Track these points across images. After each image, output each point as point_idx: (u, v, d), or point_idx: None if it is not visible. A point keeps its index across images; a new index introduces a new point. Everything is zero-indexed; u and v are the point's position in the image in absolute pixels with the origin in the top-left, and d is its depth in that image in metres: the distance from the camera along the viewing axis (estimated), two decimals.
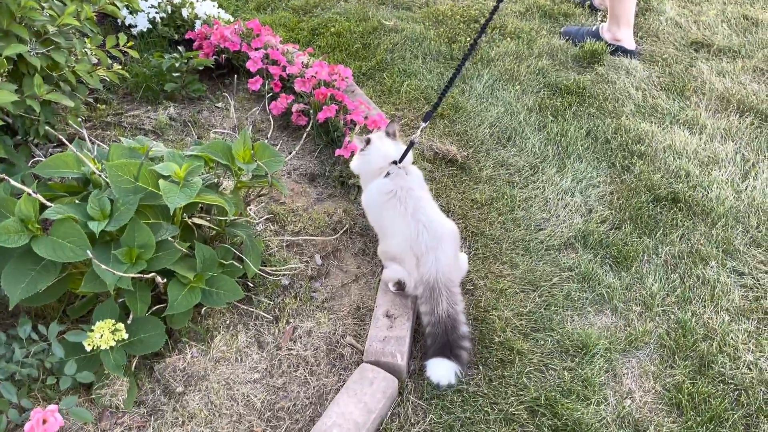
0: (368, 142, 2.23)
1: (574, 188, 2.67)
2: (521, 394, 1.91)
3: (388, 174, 2.17)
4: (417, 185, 2.16)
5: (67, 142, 1.92)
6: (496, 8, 2.26)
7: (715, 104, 3.17)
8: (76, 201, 1.81)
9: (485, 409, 1.87)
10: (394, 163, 2.18)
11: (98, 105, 3.07)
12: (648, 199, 2.58)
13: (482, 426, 1.83)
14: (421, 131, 2.33)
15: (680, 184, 2.64)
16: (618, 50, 3.60)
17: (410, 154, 2.23)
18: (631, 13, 3.54)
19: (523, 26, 3.88)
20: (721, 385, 1.93)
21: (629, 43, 3.62)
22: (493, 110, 3.15)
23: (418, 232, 1.98)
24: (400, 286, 2.07)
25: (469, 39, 3.74)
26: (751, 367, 1.98)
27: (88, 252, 1.61)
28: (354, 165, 2.34)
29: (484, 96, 3.27)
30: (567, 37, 3.78)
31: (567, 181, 2.69)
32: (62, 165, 1.88)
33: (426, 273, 1.95)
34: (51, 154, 2.44)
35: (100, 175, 1.85)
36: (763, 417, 1.84)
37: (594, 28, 3.73)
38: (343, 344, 2.07)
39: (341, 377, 1.98)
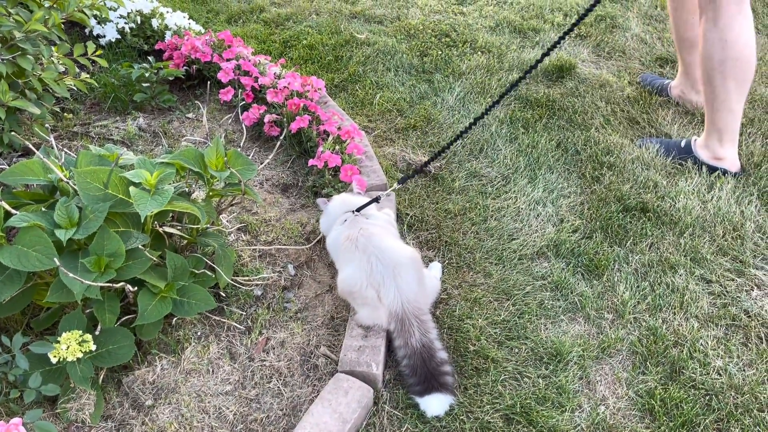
0: (326, 202, 2.31)
1: (545, 198, 2.70)
2: (496, 402, 1.91)
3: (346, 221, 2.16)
4: (376, 225, 2.12)
5: (34, 149, 1.87)
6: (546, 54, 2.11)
7: (681, 117, 3.25)
8: (43, 209, 1.76)
9: (461, 417, 1.86)
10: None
11: (65, 114, 3.01)
12: (618, 209, 2.63)
13: None
14: (391, 191, 2.37)
15: (648, 195, 2.69)
16: (716, 171, 2.82)
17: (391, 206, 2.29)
18: (737, 126, 2.77)
19: (493, 41, 3.94)
20: (693, 390, 1.95)
21: (733, 164, 2.83)
22: (464, 122, 3.18)
23: (371, 265, 1.93)
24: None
25: (440, 53, 3.78)
26: (720, 372, 2.01)
27: (56, 260, 1.56)
28: (322, 227, 2.34)
29: (456, 108, 3.30)
30: (644, 85, 3.53)
31: (538, 192, 2.72)
32: (28, 172, 1.83)
33: (391, 305, 1.91)
34: (14, 163, 2.38)
35: (67, 183, 1.81)
36: (733, 421, 1.86)
37: (683, 142, 2.96)
38: (317, 355, 2.05)
39: (315, 388, 1.95)
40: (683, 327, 2.15)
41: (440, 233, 2.51)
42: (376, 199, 2.19)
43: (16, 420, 1.48)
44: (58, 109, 3.01)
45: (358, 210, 2.17)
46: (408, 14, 4.33)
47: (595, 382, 1.99)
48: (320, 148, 2.65)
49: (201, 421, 1.83)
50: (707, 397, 1.93)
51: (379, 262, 1.94)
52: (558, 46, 2.10)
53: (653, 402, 1.91)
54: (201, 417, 1.84)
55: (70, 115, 3.02)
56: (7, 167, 2.27)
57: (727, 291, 2.29)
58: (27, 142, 1.95)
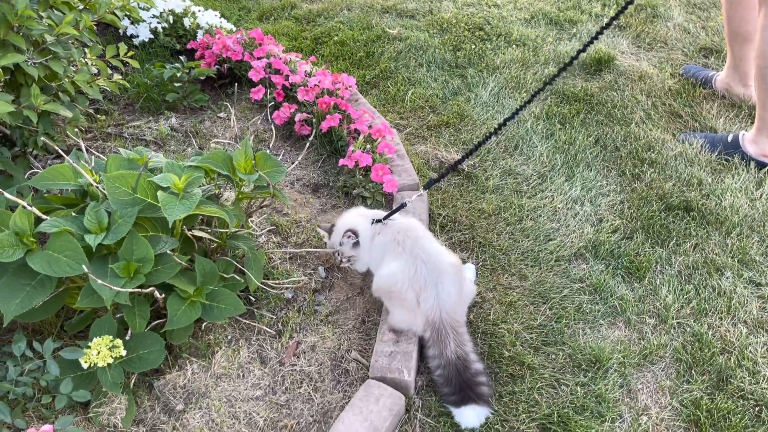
0: (356, 235, 2.08)
1: (583, 197, 2.61)
2: (533, 411, 1.84)
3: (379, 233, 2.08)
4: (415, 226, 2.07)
5: (64, 154, 1.87)
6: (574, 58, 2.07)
7: (726, 110, 3.11)
8: (73, 214, 1.76)
9: (495, 426, 1.80)
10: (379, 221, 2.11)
11: (99, 116, 3.03)
12: (660, 208, 2.52)
13: None
14: (415, 198, 2.25)
15: (693, 193, 2.58)
16: (765, 167, 2.74)
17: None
18: None
19: (528, 33, 3.84)
20: (741, 400, 1.86)
21: None
22: (499, 118, 3.10)
23: (416, 267, 1.89)
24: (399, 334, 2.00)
25: (473, 47, 3.69)
26: None
27: (84, 267, 1.55)
28: (361, 264, 2.16)
29: (490, 104, 3.22)
30: (686, 76, 3.41)
31: (576, 190, 2.63)
32: (59, 177, 1.83)
33: (429, 312, 1.86)
34: (50, 166, 2.40)
35: (97, 187, 1.80)
36: None
37: (730, 136, 2.85)
38: (348, 359, 2.01)
39: (346, 394, 1.91)
40: (731, 333, 2.05)
41: (474, 234, 2.44)
42: (403, 206, 2.12)
43: (47, 427, 1.48)
44: (92, 111, 3.04)
45: (386, 218, 2.10)
46: (441, 8, 4.26)
47: (636, 390, 1.91)
48: (351, 148, 2.61)
49: (231, 426, 1.82)
50: (757, 408, 1.84)
51: (424, 266, 1.89)
52: (596, 39, 2.01)
53: (699, 413, 1.82)
54: (231, 422, 1.83)
55: (104, 117, 3.04)
56: (42, 170, 2.29)
57: None
58: (57, 147, 1.95)
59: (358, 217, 2.15)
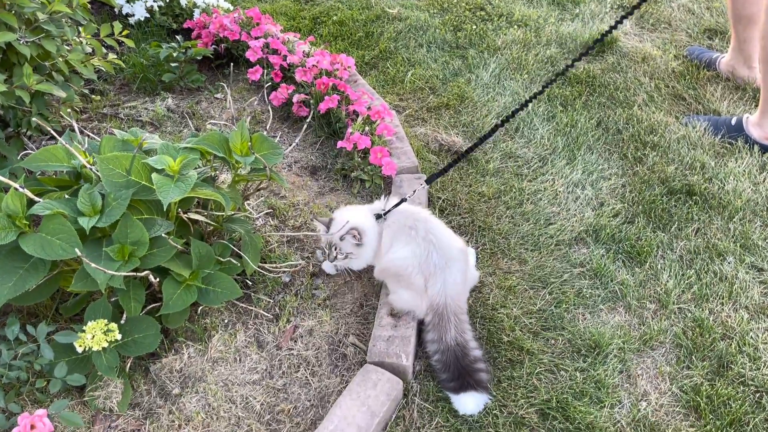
0: (360, 236, 1.99)
1: (584, 181, 2.57)
2: (531, 396, 1.83)
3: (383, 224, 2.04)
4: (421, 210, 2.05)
5: (57, 135, 1.84)
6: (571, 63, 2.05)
7: (730, 93, 3.07)
8: (66, 196, 1.73)
9: (494, 412, 1.79)
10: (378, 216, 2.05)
11: (94, 96, 2.99)
12: (662, 192, 2.49)
13: (491, 429, 1.75)
14: (415, 192, 2.17)
15: (695, 176, 2.55)
16: None
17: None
18: None
19: (530, 14, 3.78)
20: (741, 387, 1.84)
21: None
22: (500, 100, 3.06)
23: (428, 253, 1.87)
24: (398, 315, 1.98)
25: (474, 27, 3.64)
26: None
27: (77, 250, 1.53)
28: (360, 262, 2.09)
29: (491, 85, 3.17)
30: (691, 58, 3.34)
31: (577, 174, 2.60)
32: (52, 158, 1.80)
33: (434, 297, 1.84)
34: (43, 147, 2.36)
35: (91, 169, 1.77)
36: None
37: (734, 119, 2.79)
38: (346, 344, 1.99)
39: (344, 378, 1.90)
40: (732, 318, 2.03)
41: (473, 218, 2.41)
42: (403, 200, 2.08)
43: (41, 411, 1.46)
44: (87, 91, 2.99)
45: (386, 213, 2.05)
46: None
47: (636, 376, 1.89)
48: (349, 129, 2.57)
49: (228, 410, 1.80)
50: (757, 395, 1.83)
51: (435, 252, 1.87)
52: (615, 29, 1.97)
53: (699, 399, 1.81)
54: (228, 407, 1.81)
55: (99, 97, 3.00)
56: (36, 151, 2.26)
57: None
58: (50, 127, 1.92)
59: (362, 216, 2.03)
